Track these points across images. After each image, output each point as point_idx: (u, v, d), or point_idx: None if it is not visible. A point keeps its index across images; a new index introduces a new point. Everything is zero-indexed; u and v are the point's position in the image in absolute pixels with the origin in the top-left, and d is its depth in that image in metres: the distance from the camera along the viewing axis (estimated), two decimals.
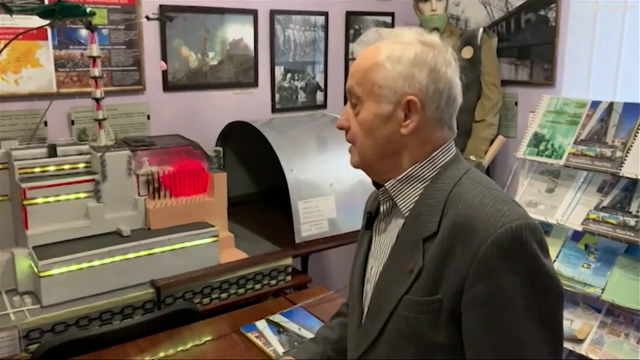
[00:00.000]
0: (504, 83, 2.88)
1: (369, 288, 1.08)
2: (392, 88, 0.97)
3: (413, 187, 1.01)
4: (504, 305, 0.87)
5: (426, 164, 1.01)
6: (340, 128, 1.06)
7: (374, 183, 1.09)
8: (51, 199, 1.80)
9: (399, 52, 0.98)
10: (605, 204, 1.99)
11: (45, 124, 2.19)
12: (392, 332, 0.99)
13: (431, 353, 0.95)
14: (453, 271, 0.91)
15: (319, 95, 2.99)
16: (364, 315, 1.07)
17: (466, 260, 0.89)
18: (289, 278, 2.08)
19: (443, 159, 1.01)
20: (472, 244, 0.89)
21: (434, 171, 1.00)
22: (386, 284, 1.02)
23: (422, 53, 0.97)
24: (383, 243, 1.07)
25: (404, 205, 1.02)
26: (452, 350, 0.94)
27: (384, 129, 0.99)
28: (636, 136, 1.96)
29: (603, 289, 1.92)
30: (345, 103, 3.08)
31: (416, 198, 1.00)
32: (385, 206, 1.07)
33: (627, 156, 1.95)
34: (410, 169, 1.01)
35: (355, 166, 1.06)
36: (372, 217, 1.13)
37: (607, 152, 2.00)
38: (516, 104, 2.90)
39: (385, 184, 1.03)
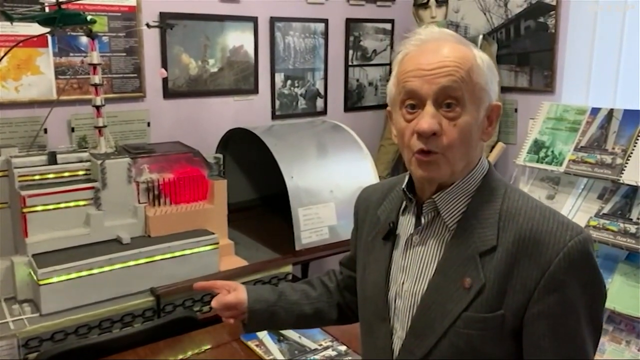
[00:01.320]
0: (504, 90, 2.89)
1: (400, 304, 1.01)
2: (488, 92, 0.95)
3: (460, 199, 0.97)
4: (570, 315, 0.90)
5: (472, 176, 0.98)
6: (432, 134, 0.90)
7: (410, 192, 1.02)
8: (51, 206, 1.79)
9: (483, 55, 0.96)
10: (605, 211, 1.99)
11: (45, 131, 2.19)
12: (446, 350, 0.95)
13: None
14: (518, 285, 0.90)
15: (319, 102, 2.99)
16: (402, 334, 1.01)
17: (534, 274, 0.89)
18: None
19: (484, 169, 0.99)
20: (541, 257, 0.89)
21: (478, 183, 0.98)
22: (437, 301, 0.96)
23: (490, 62, 0.97)
24: (421, 257, 1.00)
25: (450, 218, 0.97)
26: None
27: (476, 135, 0.95)
28: (636, 143, 1.96)
29: None
30: (345, 110, 3.10)
31: (463, 210, 0.97)
32: (426, 218, 1.00)
33: (627, 163, 1.95)
34: (459, 181, 0.97)
35: (442, 179, 0.96)
36: (393, 228, 1.05)
37: (608, 159, 2.00)
38: (516, 110, 2.90)
39: (434, 196, 0.98)
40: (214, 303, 1.19)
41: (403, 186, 1.04)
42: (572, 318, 0.90)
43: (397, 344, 1.02)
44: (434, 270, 0.98)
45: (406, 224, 1.04)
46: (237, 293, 1.19)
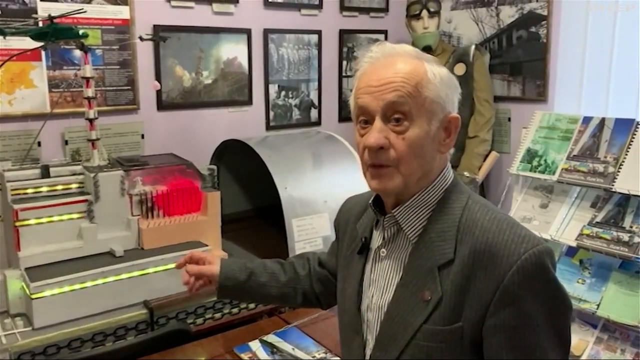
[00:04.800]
0: (497, 99, 2.90)
1: (370, 317, 1.04)
2: (442, 105, 0.95)
3: (420, 212, 0.98)
4: (528, 328, 0.88)
5: (432, 188, 0.99)
6: (379, 148, 0.93)
7: (376, 206, 1.05)
8: (44, 219, 1.79)
9: (437, 71, 0.96)
10: (598, 219, 1.99)
11: (39, 144, 2.19)
12: None
13: None
14: (475, 298, 0.90)
15: (313, 113, 3.01)
16: (372, 346, 1.03)
17: (490, 287, 0.89)
18: None
19: (446, 181, 1.00)
20: (495, 270, 0.89)
21: (439, 195, 0.99)
22: (400, 313, 0.98)
23: (449, 74, 0.98)
24: (387, 270, 1.03)
25: (412, 231, 0.99)
26: None
27: (430, 148, 0.96)
28: (628, 151, 1.97)
29: (598, 305, 1.91)
30: (340, 120, 3.11)
31: (424, 223, 0.98)
32: (388, 232, 1.03)
33: (619, 171, 1.96)
34: (417, 195, 0.98)
35: (394, 191, 0.97)
36: (366, 243, 1.08)
37: (600, 167, 2.01)
38: (509, 119, 2.91)
39: (393, 211, 1.00)
40: (189, 268, 1.33)
41: (370, 201, 1.07)
42: (530, 331, 0.89)
43: (369, 356, 1.04)
44: (397, 283, 1.00)
45: (376, 238, 1.07)
46: (211, 267, 1.32)
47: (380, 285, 1.03)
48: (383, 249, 1.04)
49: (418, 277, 0.96)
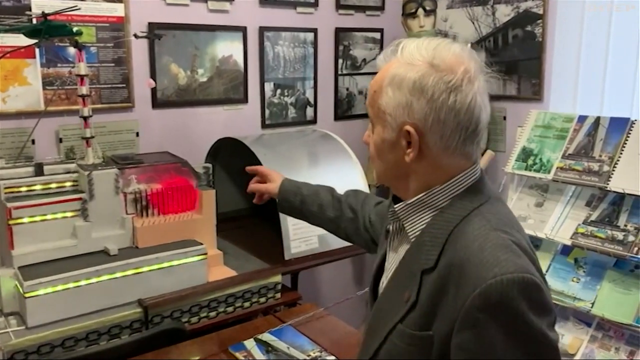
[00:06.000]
0: (493, 98, 2.88)
1: None
2: (393, 116, 0.94)
3: (423, 214, 0.97)
4: (490, 358, 0.83)
5: (438, 192, 0.96)
6: (365, 143, 1.07)
7: (394, 197, 1.08)
8: (37, 218, 1.78)
9: (401, 77, 0.92)
10: (593, 218, 2.00)
11: (33, 142, 2.18)
12: (385, 355, 0.99)
13: None
14: (445, 312, 0.89)
15: (309, 111, 3.00)
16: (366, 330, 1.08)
17: (457, 304, 0.86)
18: (278, 295, 2.07)
19: (458, 188, 0.96)
20: (462, 289, 0.86)
21: (446, 201, 0.96)
22: (385, 308, 1.01)
23: (422, 79, 0.90)
24: (392, 262, 1.06)
25: (412, 231, 0.99)
26: None
27: (392, 154, 0.97)
28: (623, 150, 1.98)
29: (593, 303, 1.92)
30: (335, 118, 3.11)
31: (423, 226, 0.97)
32: (393, 226, 1.05)
33: (614, 170, 1.96)
34: (422, 195, 0.97)
35: (378, 182, 1.09)
36: (389, 232, 1.10)
37: (595, 166, 2.02)
38: (505, 118, 2.91)
39: (395, 206, 1.01)
40: (253, 187, 1.62)
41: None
42: None
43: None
44: (390, 277, 1.04)
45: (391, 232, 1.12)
46: (272, 186, 1.56)
47: (388, 274, 1.07)
48: (395, 241, 1.07)
49: (405, 276, 0.97)
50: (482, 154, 2.82)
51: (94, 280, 1.73)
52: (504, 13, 2.83)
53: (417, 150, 0.93)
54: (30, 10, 2.04)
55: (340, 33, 3.03)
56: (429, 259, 0.93)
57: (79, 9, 1.94)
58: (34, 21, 1.91)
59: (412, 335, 0.93)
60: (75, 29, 1.88)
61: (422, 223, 0.98)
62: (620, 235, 1.90)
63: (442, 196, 0.96)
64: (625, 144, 1.99)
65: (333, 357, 1.65)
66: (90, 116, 1.97)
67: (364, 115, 3.19)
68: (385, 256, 1.11)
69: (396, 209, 1.01)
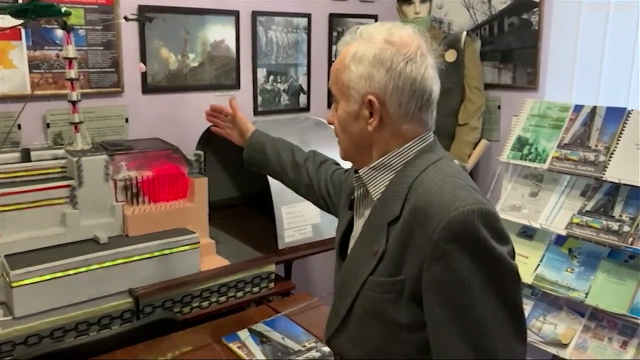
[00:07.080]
0: (487, 87, 2.88)
1: None
2: (356, 88, 1.04)
3: (383, 175, 1.06)
4: (459, 286, 0.91)
5: (396, 155, 1.05)
6: (330, 123, 1.15)
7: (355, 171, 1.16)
8: (24, 205, 1.73)
9: (362, 53, 1.03)
10: (588, 208, 2.00)
11: (19, 127, 2.12)
12: (359, 311, 1.06)
13: (396, 331, 1.00)
14: (413, 254, 0.96)
15: (302, 98, 2.96)
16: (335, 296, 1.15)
17: (423, 243, 0.93)
18: (272, 285, 2.04)
19: (414, 150, 1.05)
20: (428, 227, 0.93)
21: (404, 160, 1.05)
22: (353, 266, 1.08)
23: (381, 52, 1.01)
24: (360, 227, 1.13)
25: (375, 192, 1.08)
26: (416, 329, 0.98)
27: (355, 126, 1.07)
28: (619, 140, 1.97)
29: (587, 293, 1.92)
30: (329, 106, 3.07)
31: (385, 185, 1.06)
32: (358, 192, 1.14)
33: (610, 160, 1.95)
34: (382, 158, 1.06)
35: (341, 158, 1.16)
36: (353, 200, 1.17)
37: (591, 156, 2.01)
38: (499, 107, 2.90)
39: (360, 170, 1.10)
40: (215, 129, 1.69)
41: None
42: (461, 290, 0.91)
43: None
44: (357, 239, 1.12)
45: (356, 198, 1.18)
46: (237, 139, 1.63)
47: (354, 240, 1.14)
48: (361, 208, 1.15)
49: (372, 233, 1.05)
50: (477, 144, 2.81)
51: (83, 269, 1.69)
52: (500, 0, 2.81)
53: (378, 118, 1.03)
54: None
55: (334, 19, 2.98)
56: (393, 211, 1.01)
57: None
58: (20, 0, 1.84)
59: (384, 282, 1.00)
60: (63, 9, 1.81)
61: (383, 184, 1.06)
62: (615, 226, 1.90)
63: (401, 157, 1.05)
64: (622, 134, 1.98)
65: (328, 348, 1.63)
66: (79, 100, 1.91)
67: None
68: (350, 226, 1.18)
69: (360, 174, 1.09)
